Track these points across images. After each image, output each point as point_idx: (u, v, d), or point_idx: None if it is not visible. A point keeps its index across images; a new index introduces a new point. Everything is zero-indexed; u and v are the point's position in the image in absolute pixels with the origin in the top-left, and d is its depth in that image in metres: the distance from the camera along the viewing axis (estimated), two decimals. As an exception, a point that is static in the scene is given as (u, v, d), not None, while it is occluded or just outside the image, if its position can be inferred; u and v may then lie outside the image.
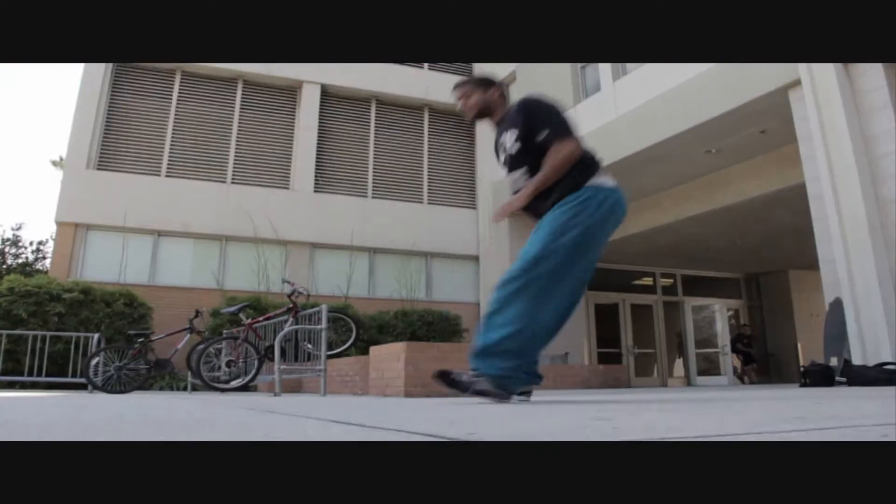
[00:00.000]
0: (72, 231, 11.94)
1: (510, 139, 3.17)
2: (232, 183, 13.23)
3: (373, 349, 6.84)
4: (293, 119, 14.08)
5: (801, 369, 7.36)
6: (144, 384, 8.46)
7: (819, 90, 7.29)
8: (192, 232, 12.63)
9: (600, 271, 12.23)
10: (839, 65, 7.14)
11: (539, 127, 3.02)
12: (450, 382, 2.97)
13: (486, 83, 3.41)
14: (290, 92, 14.23)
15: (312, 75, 14.15)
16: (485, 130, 14.80)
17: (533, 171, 3.04)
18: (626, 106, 10.68)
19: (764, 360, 16.65)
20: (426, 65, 15.48)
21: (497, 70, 14.92)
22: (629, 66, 11.16)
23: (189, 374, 8.43)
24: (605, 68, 11.51)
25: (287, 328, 7.19)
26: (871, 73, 6.94)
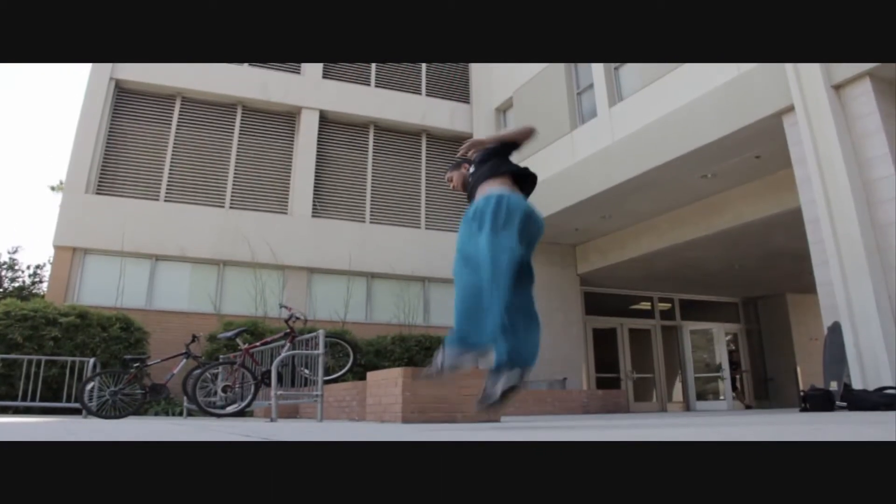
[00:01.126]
0: (69, 255, 11.92)
1: (471, 175, 3.81)
2: (230, 208, 13.26)
3: (370, 374, 6.78)
4: (292, 144, 14.17)
5: (801, 394, 7.32)
6: (140, 409, 8.38)
7: (812, 115, 7.38)
8: (189, 256, 12.62)
9: (598, 296, 12.24)
10: (831, 90, 7.24)
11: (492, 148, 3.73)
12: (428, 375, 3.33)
13: (458, 165, 4.11)
14: (289, 118, 14.34)
15: (311, 101, 14.27)
16: (482, 155, 14.87)
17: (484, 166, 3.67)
18: (622, 131, 10.78)
19: (763, 384, 16.58)
20: (423, 90, 15.62)
21: (495, 90, 15.08)
22: (625, 91, 11.29)
23: (185, 399, 8.36)
24: (601, 94, 11.64)
25: (284, 353, 7.16)
26: (863, 99, 7.03)
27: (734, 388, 15.87)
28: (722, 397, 15.32)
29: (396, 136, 15.15)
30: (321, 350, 6.85)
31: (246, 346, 7.70)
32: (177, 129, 13.40)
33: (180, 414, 9.60)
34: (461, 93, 15.89)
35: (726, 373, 15.28)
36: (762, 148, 8.95)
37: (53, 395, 9.41)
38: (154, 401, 9.33)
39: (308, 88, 14.29)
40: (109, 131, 12.92)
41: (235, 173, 13.54)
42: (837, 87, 7.27)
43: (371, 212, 14.36)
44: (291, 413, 9.74)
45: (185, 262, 12.71)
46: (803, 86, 7.49)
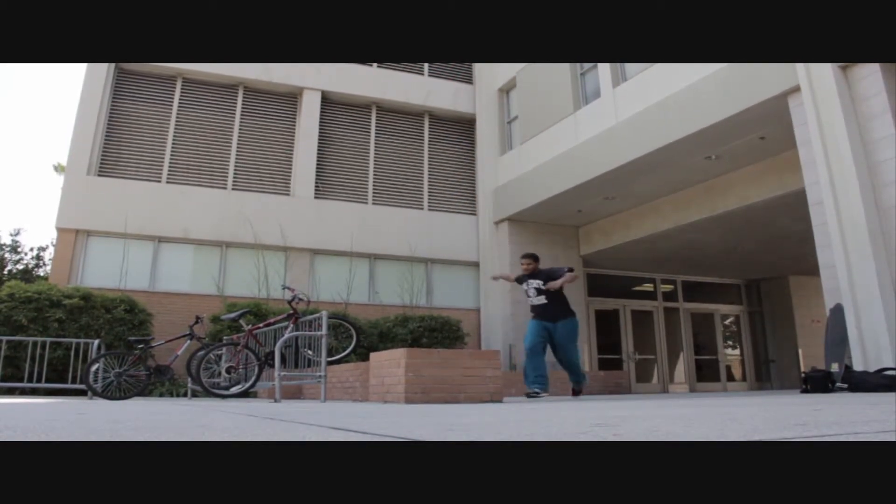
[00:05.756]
0: (72, 237, 11.95)
1: (535, 283, 7.16)
2: (232, 189, 13.24)
3: (373, 355, 6.82)
4: (294, 125, 14.11)
5: (803, 375, 7.35)
6: (144, 390, 8.45)
7: (818, 96, 7.31)
8: (192, 238, 12.63)
9: (601, 277, 12.49)
10: (838, 71, 7.16)
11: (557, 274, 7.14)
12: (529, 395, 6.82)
13: (537, 258, 7.48)
14: (291, 98, 14.26)
15: (313, 82, 14.18)
16: (485, 137, 14.83)
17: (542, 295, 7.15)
18: (626, 112, 10.70)
19: (765, 366, 16.66)
20: (426, 71, 15.51)
21: (498, 71, 14.97)
22: (629, 72, 11.18)
23: (189, 380, 8.42)
24: (604, 75, 11.53)
25: (287, 334, 7.19)
26: (870, 79, 6.95)
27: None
28: (722, 379, 15.39)
29: (399, 117, 15.07)
30: (324, 331, 6.88)
31: (249, 327, 7.73)
32: (178, 110, 13.34)
33: (184, 395, 9.68)
34: (464, 73, 15.78)
35: (722, 354, 15.37)
36: (767, 129, 8.88)
37: (59, 376, 9.49)
38: (158, 382, 9.40)
39: (310, 69, 14.19)
40: (110, 113, 12.87)
41: (237, 154, 13.50)
42: (844, 68, 7.19)
43: (374, 193, 14.33)
44: (295, 394, 9.81)
45: (188, 243, 12.73)
46: (809, 66, 7.41)
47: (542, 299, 7.04)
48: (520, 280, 7.43)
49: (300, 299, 7.51)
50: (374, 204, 14.22)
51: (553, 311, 7.01)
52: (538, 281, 7.06)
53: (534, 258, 7.39)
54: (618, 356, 15.17)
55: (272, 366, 7.04)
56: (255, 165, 13.61)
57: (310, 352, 7.28)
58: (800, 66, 7.51)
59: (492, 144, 14.70)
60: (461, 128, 15.49)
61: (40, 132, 45.53)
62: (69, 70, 45.92)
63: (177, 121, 13.27)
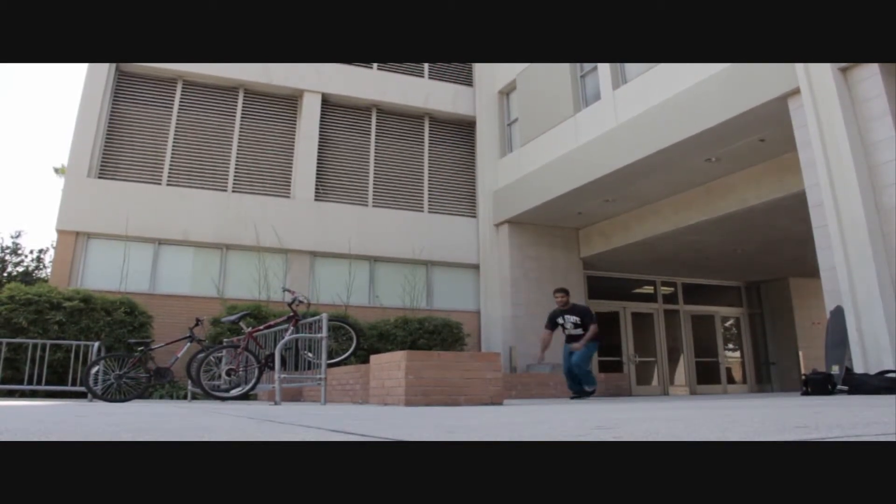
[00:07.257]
0: (73, 239, 11.94)
1: (573, 319, 8.85)
2: (233, 191, 13.24)
3: (373, 358, 6.81)
4: (294, 128, 14.11)
5: (803, 377, 7.34)
6: (144, 393, 8.44)
7: (818, 98, 7.31)
8: (192, 240, 12.63)
9: (601, 280, 12.82)
10: (838, 72, 7.16)
11: (588, 319, 8.80)
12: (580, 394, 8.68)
13: (568, 292, 9.24)
14: (291, 101, 14.27)
15: (313, 84, 14.19)
16: (485, 139, 14.84)
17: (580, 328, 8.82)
18: (626, 114, 10.70)
19: (765, 368, 16.65)
20: (426, 73, 15.52)
21: (498, 73, 14.99)
22: (629, 74, 11.19)
23: (189, 382, 8.41)
24: (605, 77, 11.54)
25: (287, 337, 7.18)
26: (870, 81, 6.96)
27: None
28: (722, 381, 15.37)
29: (399, 120, 15.08)
30: (324, 333, 6.87)
31: (249, 329, 7.72)
32: (178, 112, 13.34)
33: (184, 397, 9.67)
34: (464, 76, 15.78)
35: (723, 356, 15.36)
36: (767, 131, 8.89)
37: (59, 378, 9.48)
38: (158, 384, 9.39)
39: (310, 71, 14.20)
40: (111, 115, 12.87)
41: (238, 157, 13.50)
42: (844, 70, 7.20)
43: (374, 195, 14.33)
44: (295, 396, 9.80)
45: (188, 246, 12.73)
46: (809, 68, 7.41)
47: (579, 331, 8.78)
48: (554, 315, 8.97)
49: (300, 301, 7.50)
50: (374, 206, 14.21)
51: (581, 338, 8.80)
52: (575, 317, 8.82)
53: (566, 292, 9.08)
54: (618, 358, 15.16)
55: (272, 368, 7.03)
56: (255, 168, 13.62)
57: (310, 354, 7.27)
58: (799, 68, 7.51)
59: (492, 147, 14.71)
60: (461, 130, 15.50)
61: (41, 134, 45.57)
62: (69, 71, 45.99)
63: (177, 123, 13.27)
